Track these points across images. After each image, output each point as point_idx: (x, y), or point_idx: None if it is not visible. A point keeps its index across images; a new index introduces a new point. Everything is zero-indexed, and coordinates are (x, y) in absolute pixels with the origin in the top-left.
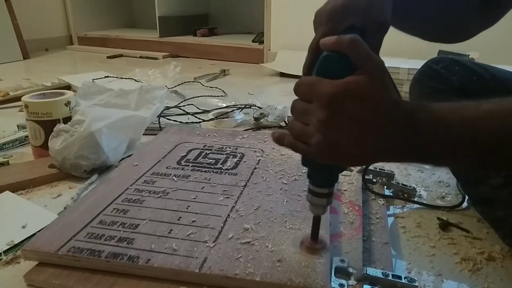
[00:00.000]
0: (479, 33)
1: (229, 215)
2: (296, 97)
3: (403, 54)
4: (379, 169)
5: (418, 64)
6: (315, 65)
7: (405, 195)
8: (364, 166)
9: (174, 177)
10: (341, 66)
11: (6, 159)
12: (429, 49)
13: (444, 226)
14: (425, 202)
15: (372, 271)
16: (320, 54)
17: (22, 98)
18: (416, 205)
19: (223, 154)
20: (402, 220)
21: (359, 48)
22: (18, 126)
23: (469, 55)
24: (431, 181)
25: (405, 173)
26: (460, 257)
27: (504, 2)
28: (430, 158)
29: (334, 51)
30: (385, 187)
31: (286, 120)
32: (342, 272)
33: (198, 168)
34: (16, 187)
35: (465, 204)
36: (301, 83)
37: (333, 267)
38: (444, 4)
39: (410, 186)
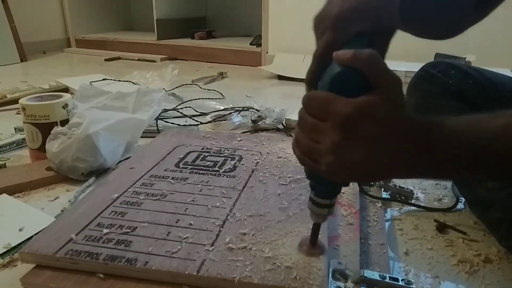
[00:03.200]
0: (469, 27)
1: (227, 218)
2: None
3: (400, 57)
4: None
5: (415, 66)
6: (325, 78)
7: (402, 198)
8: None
9: (172, 179)
10: (356, 83)
11: (3, 162)
12: (426, 52)
13: (441, 228)
14: (422, 204)
15: (369, 274)
16: (327, 63)
17: (20, 101)
18: (413, 207)
19: (221, 157)
20: (399, 222)
21: (377, 66)
22: (15, 128)
23: (465, 58)
24: (428, 183)
25: None
26: (457, 259)
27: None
28: (445, 174)
29: (348, 66)
30: (382, 189)
31: (283, 123)
32: (339, 275)
33: (196, 171)
34: (13, 190)
35: (461, 206)
36: (313, 98)
37: (331, 269)
38: (440, 3)
39: (407, 189)
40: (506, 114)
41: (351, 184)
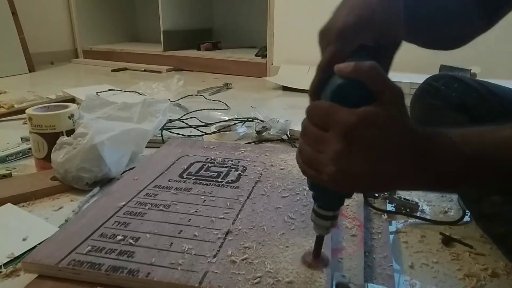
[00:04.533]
0: (475, 38)
1: (229, 230)
2: (306, 118)
3: (405, 68)
4: None
5: (420, 78)
6: (328, 89)
7: (407, 210)
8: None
9: (176, 190)
10: (358, 95)
11: (9, 171)
12: (431, 63)
13: (447, 241)
14: (427, 217)
15: (373, 287)
16: (330, 75)
17: (26, 111)
18: (418, 220)
19: (225, 167)
20: (404, 235)
21: (378, 77)
22: (21, 138)
23: (471, 69)
24: (434, 195)
25: None
26: (464, 273)
27: (501, 11)
28: (447, 186)
29: (350, 78)
30: (387, 201)
31: (288, 134)
32: None
33: (200, 181)
34: (18, 199)
35: (468, 219)
36: (317, 108)
37: (334, 282)
38: (447, 14)
39: (412, 201)
40: (509, 126)
41: (355, 196)
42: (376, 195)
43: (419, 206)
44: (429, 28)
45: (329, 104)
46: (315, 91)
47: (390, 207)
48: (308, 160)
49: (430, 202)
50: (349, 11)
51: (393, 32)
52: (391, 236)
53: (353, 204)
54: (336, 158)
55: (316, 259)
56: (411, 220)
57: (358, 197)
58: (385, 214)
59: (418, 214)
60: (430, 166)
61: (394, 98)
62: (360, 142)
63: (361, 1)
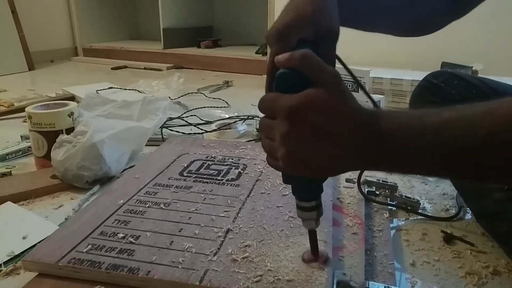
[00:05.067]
0: (448, 24)
1: (230, 228)
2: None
3: (407, 66)
4: (382, 181)
5: (421, 75)
6: (273, 82)
7: (408, 208)
8: (358, 176)
9: (176, 188)
10: (297, 81)
11: (9, 170)
12: (433, 60)
13: (449, 239)
14: (429, 214)
15: (374, 285)
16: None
17: (26, 109)
18: (419, 217)
19: (225, 165)
20: (405, 232)
21: (311, 62)
22: (21, 136)
23: (472, 66)
24: (435, 193)
25: (409, 185)
26: (465, 271)
27: None
28: (396, 166)
29: (288, 67)
30: (388, 199)
31: None
32: (344, 286)
33: (200, 179)
34: (18, 198)
35: (469, 217)
36: (263, 100)
37: (335, 280)
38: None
39: (413, 199)
40: (454, 108)
41: (356, 194)
42: (377, 192)
43: (420, 204)
44: (383, 14)
45: (273, 94)
46: (268, 88)
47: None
48: (267, 150)
49: (432, 200)
50: (285, 13)
51: (328, 24)
52: (392, 234)
53: (354, 202)
54: (282, 142)
55: (314, 255)
56: (412, 218)
57: (358, 195)
58: (387, 212)
59: (419, 211)
60: (375, 146)
61: (331, 80)
62: (302, 124)
63: (296, 2)
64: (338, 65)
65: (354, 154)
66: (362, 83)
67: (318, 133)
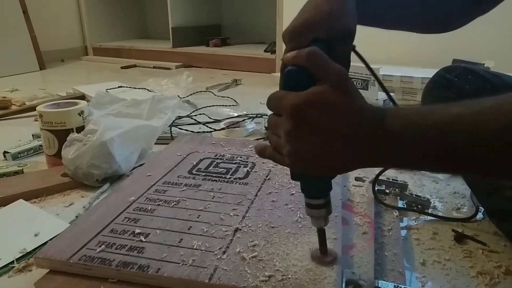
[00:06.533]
0: (469, 22)
1: (238, 226)
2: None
3: (417, 63)
4: (392, 179)
5: (432, 73)
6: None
7: (419, 207)
8: (374, 177)
9: (185, 186)
10: (303, 79)
11: (21, 168)
12: (444, 58)
13: (460, 238)
14: (440, 213)
15: (384, 285)
16: None
17: (37, 108)
18: (430, 217)
19: (234, 164)
20: (416, 231)
21: (317, 60)
22: (33, 135)
23: (484, 63)
24: (446, 192)
25: (419, 183)
26: (477, 270)
27: None
28: (403, 163)
29: (296, 65)
30: (399, 198)
31: None
32: (353, 285)
33: (209, 178)
34: (29, 196)
35: (481, 216)
36: (271, 98)
37: (344, 279)
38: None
39: (424, 197)
40: (462, 103)
41: (365, 193)
42: (387, 191)
43: (431, 202)
44: (399, 13)
45: (280, 92)
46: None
47: (401, 204)
48: (274, 146)
49: (442, 199)
50: (303, 11)
51: (343, 23)
52: (403, 233)
53: (364, 200)
54: (288, 139)
55: (323, 254)
56: (423, 217)
57: (368, 194)
58: (397, 211)
59: (430, 211)
60: (381, 144)
61: (336, 77)
62: (306, 121)
63: (311, 2)
64: (353, 63)
65: (360, 152)
66: (372, 81)
67: (321, 131)
